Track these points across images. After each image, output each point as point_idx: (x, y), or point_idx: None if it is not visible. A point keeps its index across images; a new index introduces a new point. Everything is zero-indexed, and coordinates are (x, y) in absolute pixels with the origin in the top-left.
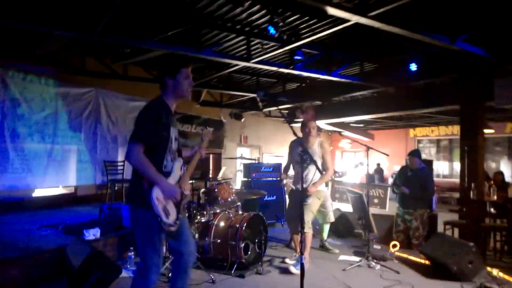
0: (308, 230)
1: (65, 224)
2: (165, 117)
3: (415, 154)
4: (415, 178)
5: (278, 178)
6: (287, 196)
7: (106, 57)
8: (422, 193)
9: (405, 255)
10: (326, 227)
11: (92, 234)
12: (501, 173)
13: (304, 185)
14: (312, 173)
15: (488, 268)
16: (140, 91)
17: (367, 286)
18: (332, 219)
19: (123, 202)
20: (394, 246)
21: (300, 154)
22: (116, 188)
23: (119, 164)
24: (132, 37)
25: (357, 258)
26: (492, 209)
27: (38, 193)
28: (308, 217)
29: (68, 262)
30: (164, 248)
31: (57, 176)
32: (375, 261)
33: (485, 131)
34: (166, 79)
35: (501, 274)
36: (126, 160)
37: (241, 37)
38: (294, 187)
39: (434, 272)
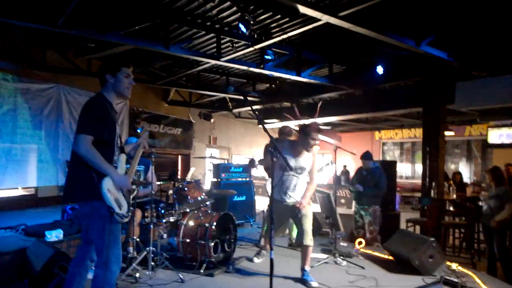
0: (311, 243)
1: (25, 226)
2: (111, 113)
3: (366, 157)
4: (370, 177)
5: (248, 171)
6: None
7: (68, 51)
8: (375, 190)
9: (369, 251)
10: (295, 226)
11: (55, 235)
12: (460, 174)
13: (293, 196)
14: (302, 184)
15: (448, 262)
16: None
17: (333, 281)
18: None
19: None
20: (360, 243)
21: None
22: None
23: None
24: (97, 30)
25: (324, 255)
26: (451, 207)
27: None
28: (310, 228)
29: (29, 264)
30: (131, 248)
31: (16, 177)
32: (341, 257)
33: (446, 133)
34: (107, 76)
35: (460, 268)
36: (74, 150)
37: (211, 35)
38: (278, 198)
39: (397, 266)
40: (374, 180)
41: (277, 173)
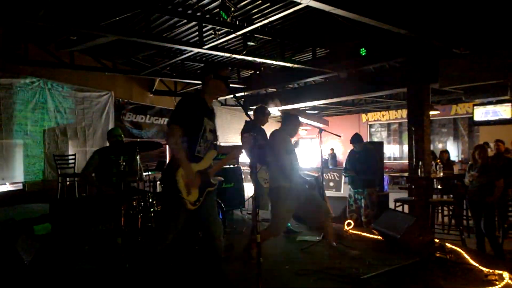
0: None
1: (12, 221)
2: (199, 109)
3: (356, 140)
4: (364, 156)
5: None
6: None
7: (50, 44)
8: (368, 171)
9: (359, 232)
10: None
11: (43, 229)
12: (447, 152)
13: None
14: None
15: (436, 240)
16: (90, 81)
17: (324, 262)
18: None
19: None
20: (349, 224)
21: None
22: (68, 182)
23: (69, 157)
24: (77, 21)
25: (314, 238)
26: (439, 186)
27: None
28: None
29: (18, 259)
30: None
31: (2, 173)
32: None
33: (431, 112)
34: (207, 78)
35: (448, 244)
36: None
37: (193, 23)
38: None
39: (386, 246)
40: (367, 161)
41: (288, 158)
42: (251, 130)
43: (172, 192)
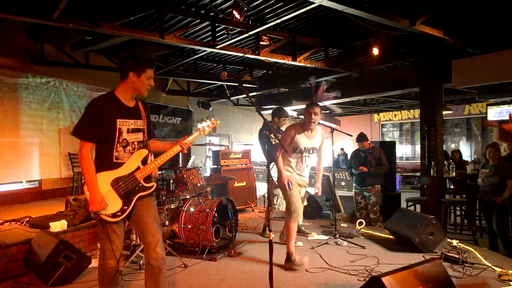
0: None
1: (30, 218)
2: (111, 111)
3: (362, 139)
4: (370, 156)
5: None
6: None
7: (66, 44)
8: (378, 168)
9: (370, 231)
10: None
11: (59, 226)
12: (459, 152)
13: (305, 176)
14: (310, 164)
15: (448, 239)
16: (104, 81)
17: (335, 261)
18: (305, 202)
19: None
20: (360, 223)
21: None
22: (82, 180)
23: None
24: (92, 22)
25: (325, 237)
26: (451, 186)
27: (0, 188)
28: None
29: (34, 255)
30: (135, 235)
31: (20, 171)
32: (342, 238)
33: (444, 112)
34: (130, 74)
35: (460, 244)
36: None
37: (206, 23)
38: (296, 180)
39: (397, 245)
40: (375, 159)
41: (294, 155)
42: (269, 130)
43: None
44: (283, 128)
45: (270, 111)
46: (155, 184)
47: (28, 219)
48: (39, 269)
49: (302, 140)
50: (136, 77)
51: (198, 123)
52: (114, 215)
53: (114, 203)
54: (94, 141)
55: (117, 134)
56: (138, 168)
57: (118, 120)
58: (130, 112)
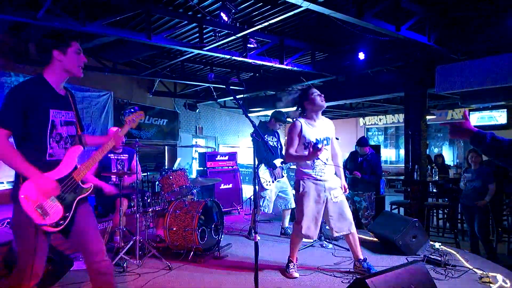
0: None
1: (10, 219)
2: (40, 98)
3: (363, 143)
4: (366, 163)
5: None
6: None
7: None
8: (372, 177)
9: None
10: (287, 214)
11: None
12: (442, 156)
13: (327, 173)
14: (329, 156)
15: (431, 242)
16: (90, 81)
17: (319, 263)
18: (293, 205)
19: None
20: None
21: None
22: None
23: None
24: (78, 21)
25: (310, 240)
26: (434, 189)
27: None
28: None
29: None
30: (118, 237)
31: (4, 171)
32: (327, 241)
33: (427, 117)
34: (55, 53)
35: (443, 247)
36: None
37: (194, 24)
38: (312, 179)
39: (382, 247)
40: (371, 167)
41: (307, 152)
42: (256, 133)
43: (20, 219)
44: (279, 131)
45: (258, 114)
46: (92, 185)
47: (8, 220)
48: None
49: (311, 131)
50: (62, 54)
51: (125, 115)
52: (57, 224)
53: (54, 210)
54: (14, 130)
55: (49, 127)
56: (76, 167)
57: (51, 111)
58: (63, 102)
